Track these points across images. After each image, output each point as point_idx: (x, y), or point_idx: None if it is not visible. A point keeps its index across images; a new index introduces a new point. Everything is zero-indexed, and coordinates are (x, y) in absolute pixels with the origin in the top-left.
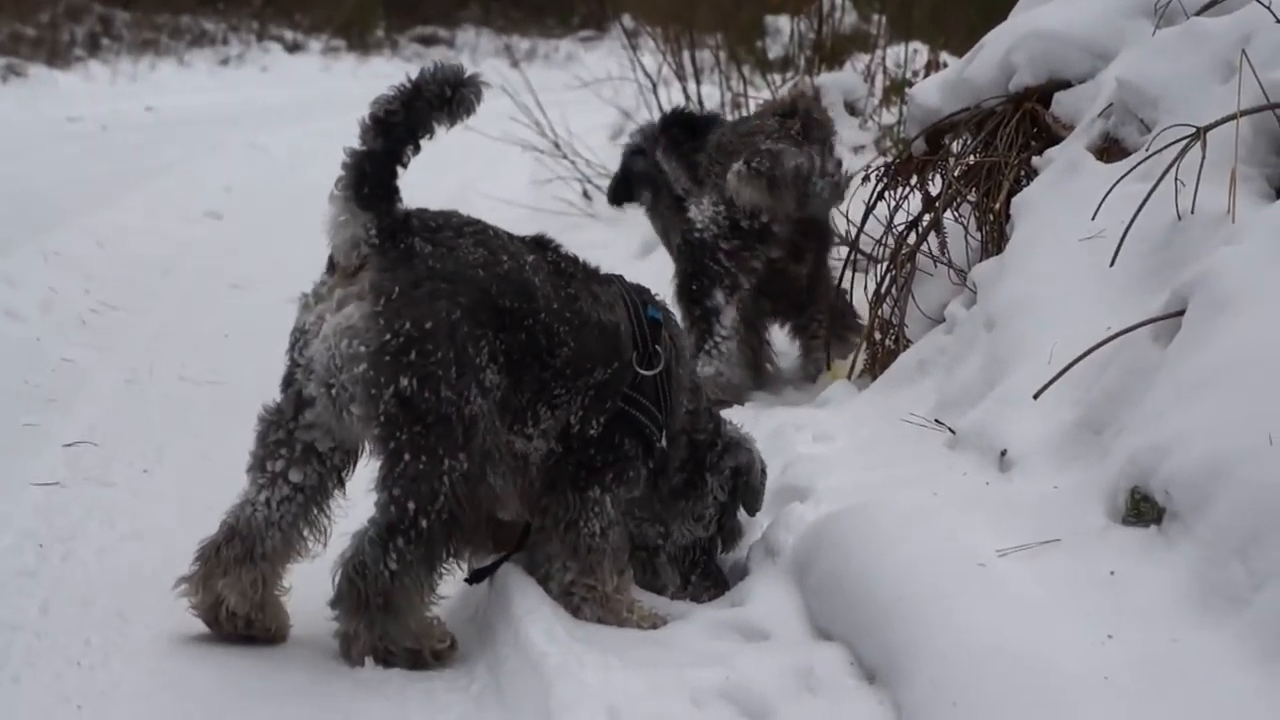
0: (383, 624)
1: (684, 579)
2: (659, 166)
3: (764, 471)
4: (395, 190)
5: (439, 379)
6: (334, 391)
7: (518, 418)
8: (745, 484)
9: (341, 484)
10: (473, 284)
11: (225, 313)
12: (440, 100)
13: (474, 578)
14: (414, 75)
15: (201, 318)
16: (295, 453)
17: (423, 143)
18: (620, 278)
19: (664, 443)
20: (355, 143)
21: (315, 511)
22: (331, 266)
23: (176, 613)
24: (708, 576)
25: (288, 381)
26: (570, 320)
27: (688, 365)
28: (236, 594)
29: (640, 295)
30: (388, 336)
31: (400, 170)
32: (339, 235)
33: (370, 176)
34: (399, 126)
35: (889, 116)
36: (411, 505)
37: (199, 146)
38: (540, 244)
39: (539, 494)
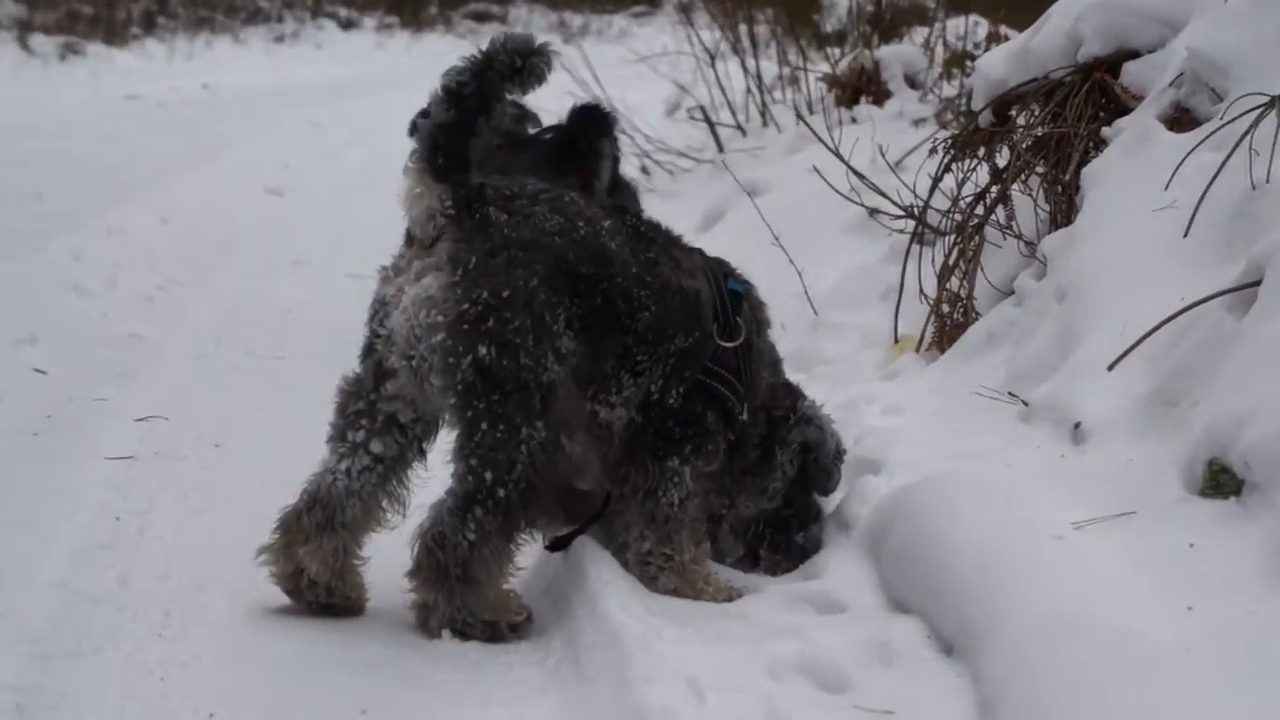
0: (461, 595)
1: (749, 550)
2: None
3: (840, 451)
4: (469, 161)
5: (517, 347)
6: (414, 362)
7: (601, 386)
8: (814, 460)
9: (422, 455)
10: (549, 251)
11: (288, 288)
12: (511, 70)
13: (554, 545)
14: (484, 45)
15: (265, 293)
16: (376, 423)
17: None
18: (701, 250)
19: (745, 416)
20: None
21: (395, 482)
22: (409, 239)
23: (253, 584)
24: (776, 549)
25: (367, 352)
26: (651, 284)
27: (768, 340)
28: (318, 562)
29: (721, 267)
30: (465, 306)
31: (473, 141)
32: (415, 207)
33: (444, 148)
34: (471, 97)
35: (949, 89)
36: (489, 475)
37: (256, 123)
38: (620, 209)
39: (618, 462)
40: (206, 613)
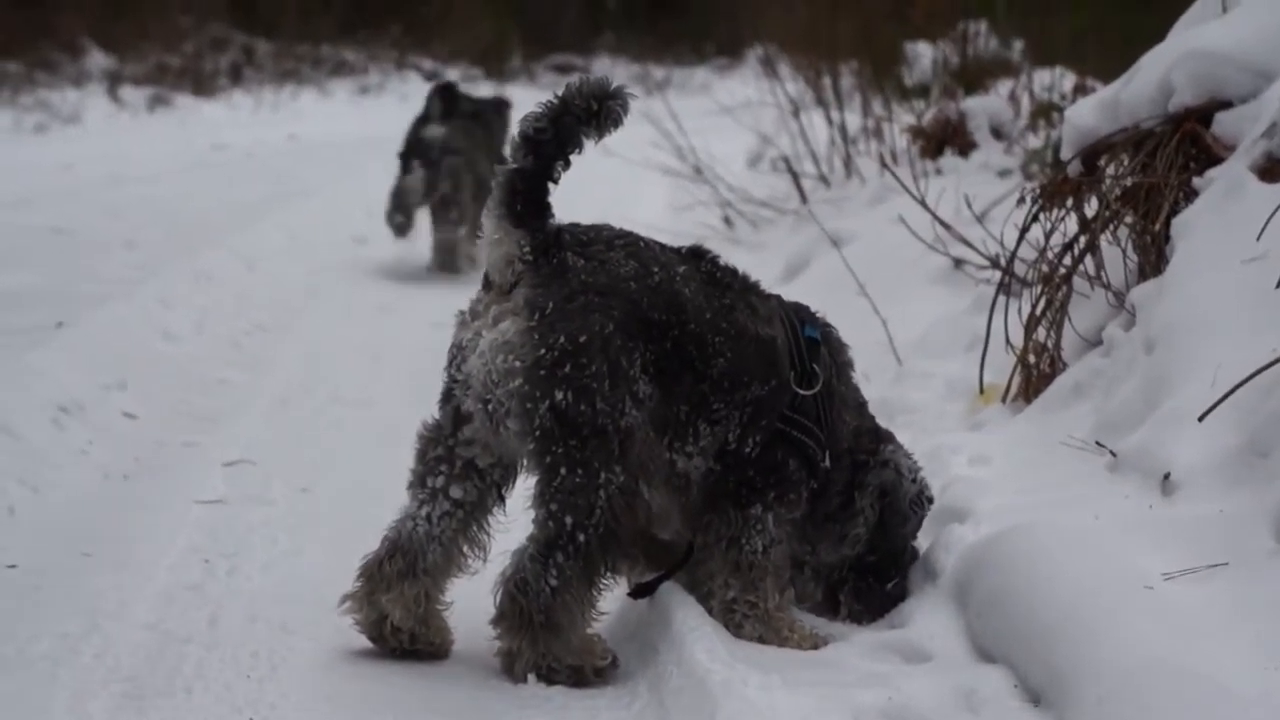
0: (545, 641)
1: (830, 597)
2: None
3: (923, 497)
4: (548, 206)
5: (594, 392)
6: (490, 407)
7: (678, 434)
8: (889, 505)
9: (502, 500)
10: (624, 296)
11: (373, 335)
12: (588, 114)
13: (637, 592)
14: (560, 91)
15: (351, 339)
16: (455, 469)
17: (573, 158)
18: (779, 296)
19: (827, 463)
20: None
21: (475, 528)
22: (487, 283)
23: (339, 627)
24: (859, 598)
25: (446, 398)
26: (725, 331)
27: (851, 383)
28: (400, 609)
29: (799, 313)
30: (543, 351)
31: (552, 187)
32: (494, 253)
33: (522, 194)
34: (549, 143)
35: (1035, 141)
36: (569, 520)
37: (341, 172)
38: (696, 254)
39: (700, 510)
40: (294, 654)
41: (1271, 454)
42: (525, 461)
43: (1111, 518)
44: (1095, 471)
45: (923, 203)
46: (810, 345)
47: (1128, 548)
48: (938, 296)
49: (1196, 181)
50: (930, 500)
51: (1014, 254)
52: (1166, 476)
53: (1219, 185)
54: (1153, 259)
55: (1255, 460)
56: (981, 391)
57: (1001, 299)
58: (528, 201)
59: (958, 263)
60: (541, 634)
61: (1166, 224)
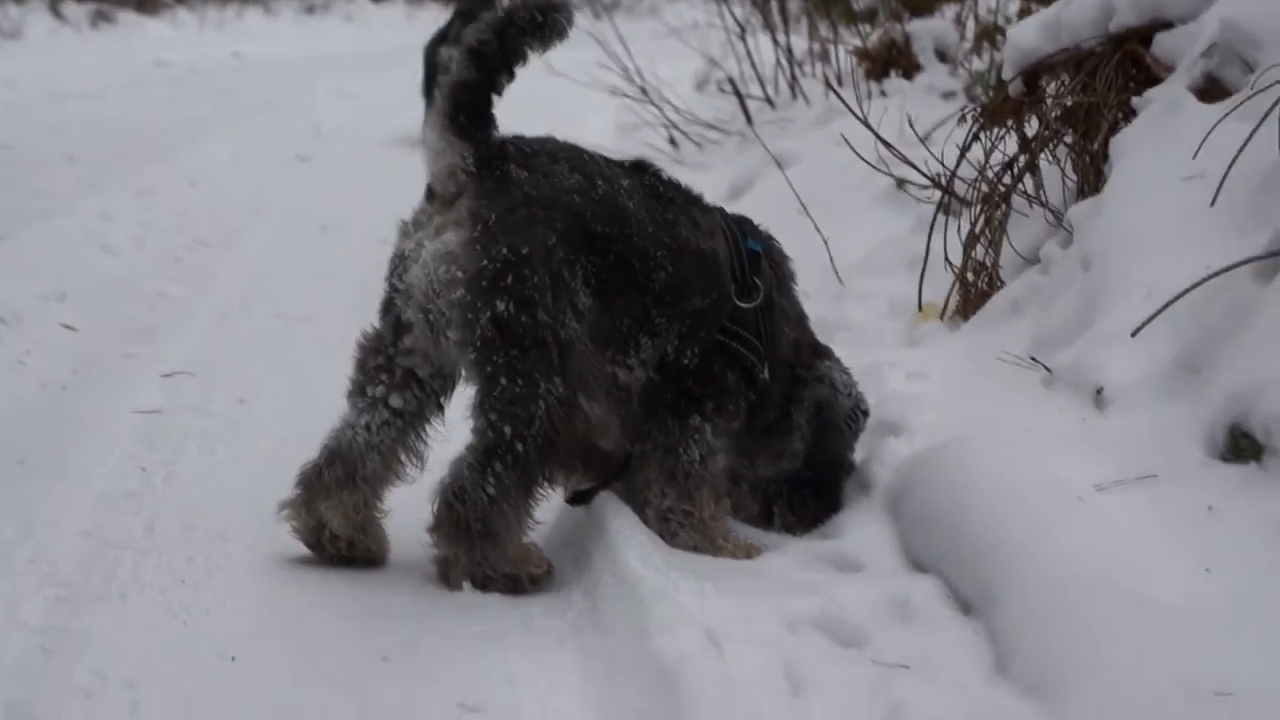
0: (482, 549)
1: (766, 509)
2: None
3: (861, 412)
4: (491, 119)
5: (535, 303)
6: (431, 317)
7: (619, 347)
8: (825, 419)
9: (440, 410)
10: (568, 209)
11: (316, 252)
12: (532, 25)
13: (575, 500)
14: (505, 2)
15: (293, 257)
16: (395, 378)
17: (518, 70)
18: (722, 209)
19: (766, 374)
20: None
21: (414, 437)
22: (430, 194)
23: (276, 535)
24: (794, 510)
25: (386, 308)
26: (668, 244)
27: (792, 295)
28: (339, 517)
29: (741, 226)
30: (484, 262)
31: (496, 99)
32: (437, 163)
33: (466, 105)
34: (493, 55)
35: (980, 64)
36: (508, 429)
37: (286, 92)
38: (640, 168)
39: (640, 420)
40: (230, 561)
41: (1203, 369)
42: (465, 371)
43: (1045, 432)
44: (1030, 387)
45: (866, 123)
46: (752, 258)
47: (1059, 461)
48: (881, 217)
49: (1136, 101)
50: (866, 414)
51: (954, 173)
52: (1099, 391)
53: (1158, 105)
54: (1091, 178)
55: (1187, 375)
56: (920, 309)
57: (942, 218)
58: (471, 113)
59: (900, 183)
60: (478, 541)
61: (1105, 143)
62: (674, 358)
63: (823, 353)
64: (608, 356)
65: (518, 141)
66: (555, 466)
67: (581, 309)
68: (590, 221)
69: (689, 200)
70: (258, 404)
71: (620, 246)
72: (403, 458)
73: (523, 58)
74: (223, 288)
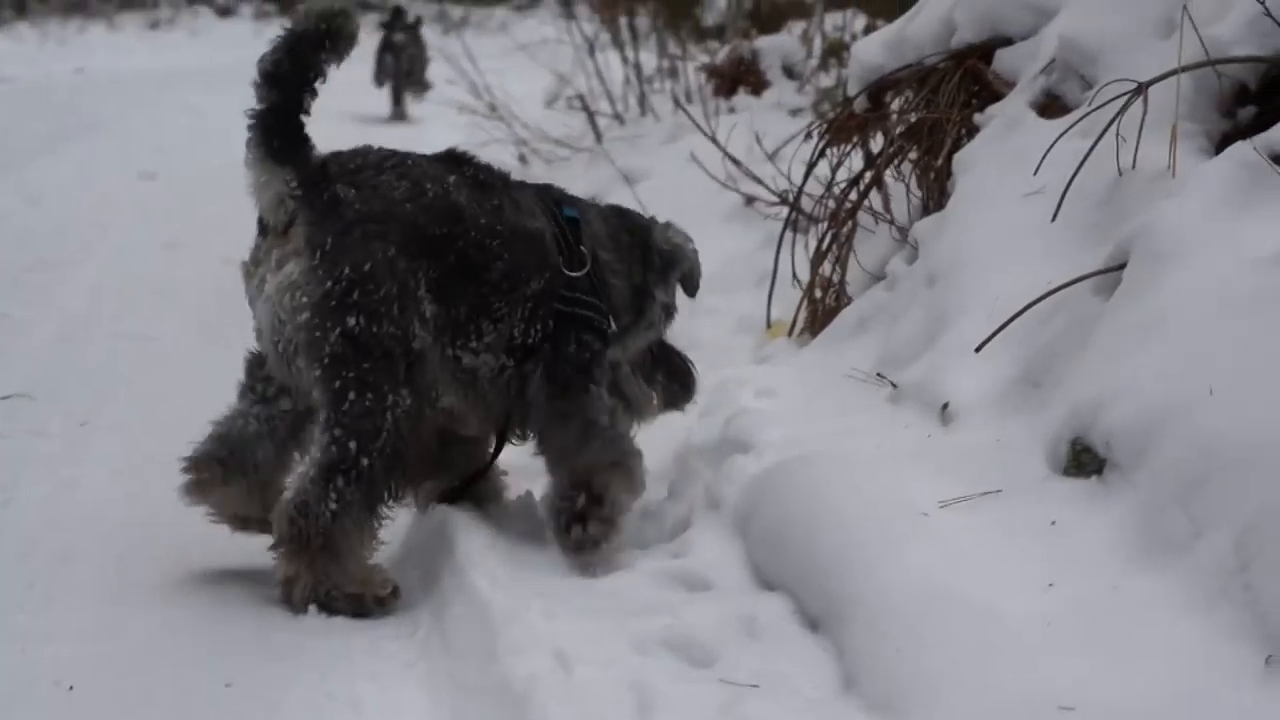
0: (324, 565)
1: (649, 383)
2: None
3: (699, 270)
4: (306, 140)
5: (383, 315)
6: (280, 346)
7: (458, 332)
8: (688, 280)
9: None
10: (402, 220)
11: (160, 271)
12: (320, 38)
13: (448, 497)
14: (299, 12)
15: (136, 275)
16: (280, 385)
17: (319, 86)
18: (532, 185)
19: (614, 326)
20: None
21: (304, 435)
22: (263, 228)
23: (120, 554)
24: (673, 375)
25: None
26: (500, 233)
27: (603, 236)
28: (238, 504)
29: (552, 195)
30: (329, 284)
31: (305, 119)
32: (264, 195)
33: (277, 131)
34: (288, 76)
35: (827, 80)
36: (353, 444)
37: (130, 107)
38: (456, 160)
39: (541, 428)
40: (71, 586)
41: (1045, 383)
42: (314, 392)
43: (891, 448)
44: (877, 403)
45: (715, 140)
46: (571, 226)
47: (905, 477)
48: (730, 233)
49: (978, 117)
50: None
51: (801, 190)
52: (945, 407)
53: (999, 121)
54: (935, 194)
55: (1029, 390)
56: (769, 326)
57: (789, 234)
58: (284, 138)
59: (749, 200)
60: (320, 558)
61: (949, 159)
62: (521, 340)
63: (646, 227)
64: (451, 343)
65: (338, 158)
66: (400, 481)
67: (428, 317)
68: (425, 227)
69: (506, 184)
70: (100, 425)
71: (460, 244)
72: (295, 453)
73: (320, 73)
74: (63, 308)
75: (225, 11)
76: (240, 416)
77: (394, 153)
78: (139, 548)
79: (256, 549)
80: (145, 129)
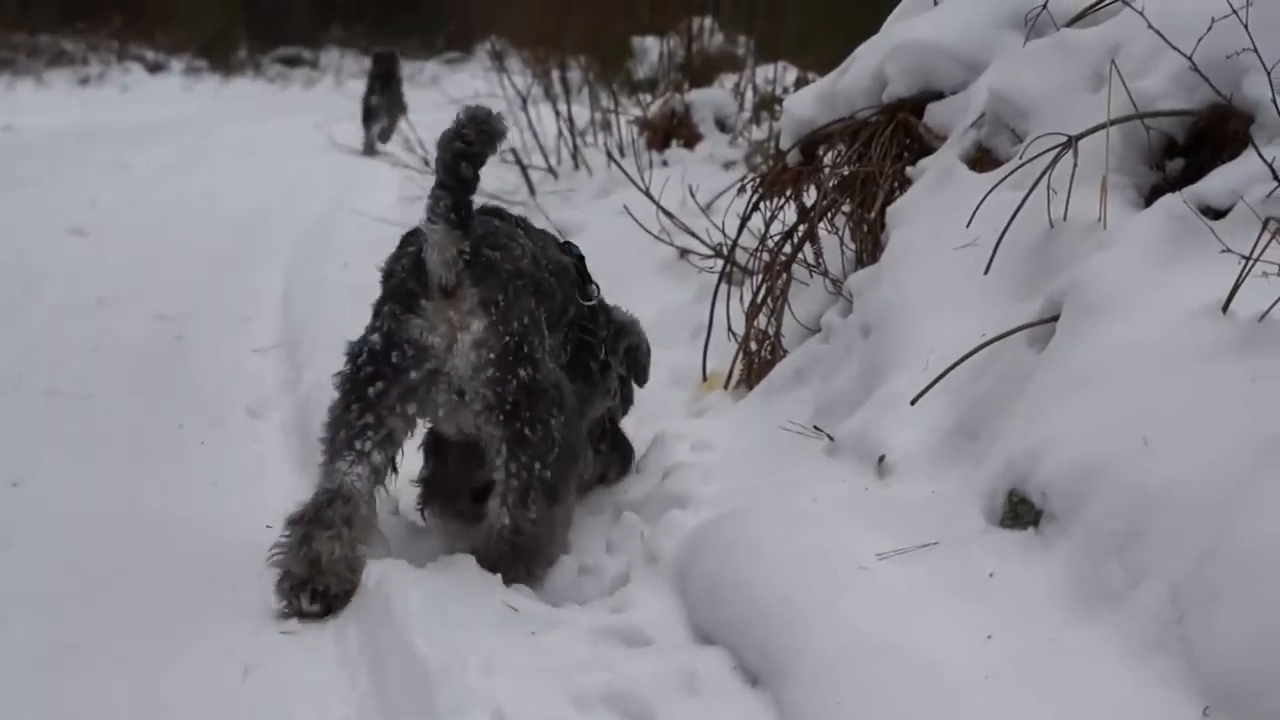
0: (535, 565)
1: (595, 450)
2: None
3: (648, 350)
4: (474, 213)
5: (539, 360)
6: (466, 396)
7: (554, 358)
8: (635, 360)
9: (394, 469)
10: (528, 274)
11: (92, 328)
12: (497, 134)
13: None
14: (464, 114)
15: (69, 333)
16: (379, 435)
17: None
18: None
19: (604, 355)
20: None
21: (378, 491)
22: (423, 286)
23: (54, 620)
24: (616, 448)
25: (381, 376)
26: (554, 271)
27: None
28: (338, 548)
29: (556, 241)
30: (506, 339)
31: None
32: (443, 256)
33: (461, 202)
34: (478, 155)
35: (759, 133)
36: (537, 466)
37: (61, 164)
38: (499, 214)
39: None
40: (2, 650)
41: (980, 435)
42: (491, 431)
43: (828, 500)
44: (814, 456)
45: (648, 194)
46: (580, 261)
47: (843, 529)
48: (664, 286)
49: (910, 170)
50: (649, 349)
51: (735, 243)
52: (881, 459)
53: (931, 174)
54: (869, 246)
55: (965, 442)
56: (705, 379)
57: (724, 287)
58: (461, 211)
59: (683, 252)
60: (534, 561)
61: (882, 212)
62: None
63: (607, 307)
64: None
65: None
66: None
67: (554, 352)
68: (536, 275)
69: (529, 228)
70: (32, 486)
71: (546, 286)
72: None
73: (485, 161)
74: None
75: (156, 68)
76: (344, 475)
77: (492, 215)
78: (73, 612)
79: (188, 614)
80: (75, 185)
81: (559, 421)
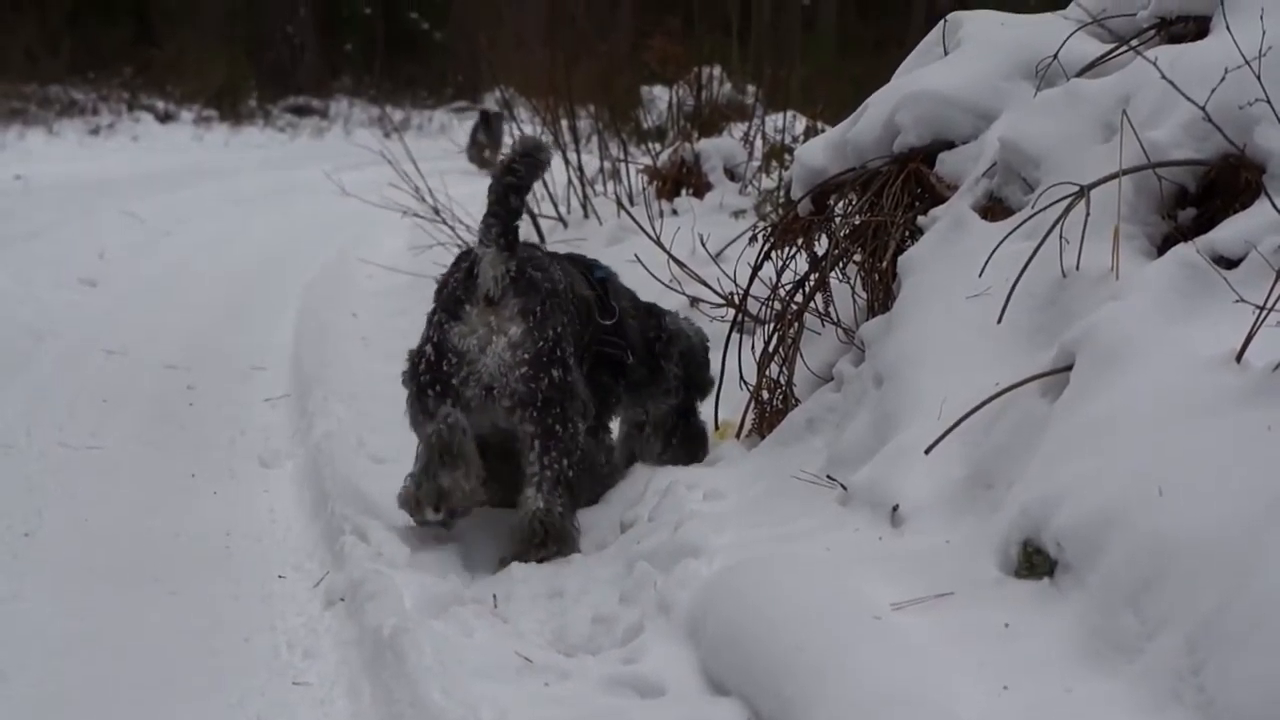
0: (562, 546)
1: (665, 444)
2: None
3: (706, 346)
4: (519, 237)
5: (570, 366)
6: (495, 390)
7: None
8: (692, 361)
9: None
10: (565, 295)
11: (102, 378)
12: (542, 165)
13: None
14: (519, 144)
15: (78, 383)
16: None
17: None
18: (566, 255)
19: (631, 358)
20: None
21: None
22: (473, 295)
23: (59, 671)
24: (689, 439)
25: (448, 377)
26: (576, 300)
27: (623, 289)
28: (462, 480)
29: (583, 263)
30: (540, 344)
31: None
32: (491, 271)
33: (509, 228)
34: (526, 188)
35: (769, 182)
36: (565, 462)
37: (71, 213)
38: (535, 248)
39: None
40: (8, 702)
41: (995, 484)
42: (522, 426)
43: (842, 550)
44: (827, 505)
45: (658, 242)
46: (603, 285)
47: (857, 579)
48: None
49: (921, 220)
50: (707, 340)
51: (747, 292)
52: (895, 509)
53: (943, 223)
54: (880, 296)
55: (979, 491)
56: (717, 428)
57: (736, 336)
58: (508, 236)
59: (694, 301)
60: (562, 544)
61: (893, 261)
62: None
63: (659, 312)
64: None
65: (521, 250)
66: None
67: (581, 364)
68: (572, 300)
69: (563, 261)
70: (43, 536)
71: (574, 307)
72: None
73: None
74: (4, 415)
75: (167, 117)
76: (436, 426)
77: (533, 245)
78: (83, 662)
79: (198, 666)
80: (86, 235)
81: (583, 428)
